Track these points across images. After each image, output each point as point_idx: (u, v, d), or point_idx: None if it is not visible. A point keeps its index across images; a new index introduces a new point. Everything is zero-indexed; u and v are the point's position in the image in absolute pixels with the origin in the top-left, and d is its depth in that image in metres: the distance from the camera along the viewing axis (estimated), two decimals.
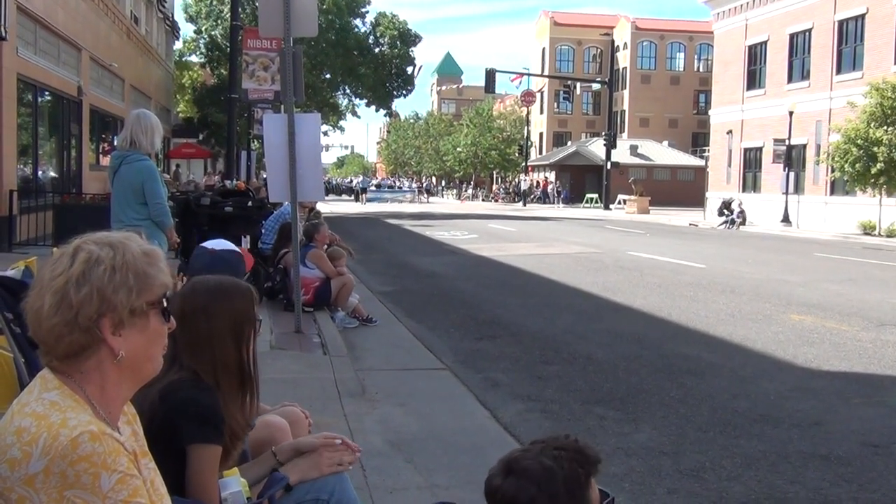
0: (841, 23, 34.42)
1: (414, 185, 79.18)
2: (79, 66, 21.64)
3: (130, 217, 6.44)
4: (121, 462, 1.69)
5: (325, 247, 10.43)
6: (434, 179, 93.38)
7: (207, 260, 3.97)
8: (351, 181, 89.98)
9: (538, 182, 68.99)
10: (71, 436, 1.64)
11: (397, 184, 73.82)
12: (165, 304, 1.86)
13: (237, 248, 4.09)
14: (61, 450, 1.63)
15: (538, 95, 72.49)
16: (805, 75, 36.59)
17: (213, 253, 4.06)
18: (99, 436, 1.67)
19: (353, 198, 70.53)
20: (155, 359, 1.89)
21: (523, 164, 68.44)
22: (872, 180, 27.95)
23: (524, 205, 59.66)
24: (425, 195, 72.08)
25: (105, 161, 24.33)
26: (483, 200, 71.12)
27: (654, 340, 9.36)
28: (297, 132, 8.46)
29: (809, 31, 36.24)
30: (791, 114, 33.67)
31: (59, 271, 1.76)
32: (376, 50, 49.93)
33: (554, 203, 61.06)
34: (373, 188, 69.43)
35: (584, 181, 63.69)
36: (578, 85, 69.53)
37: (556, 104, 78.85)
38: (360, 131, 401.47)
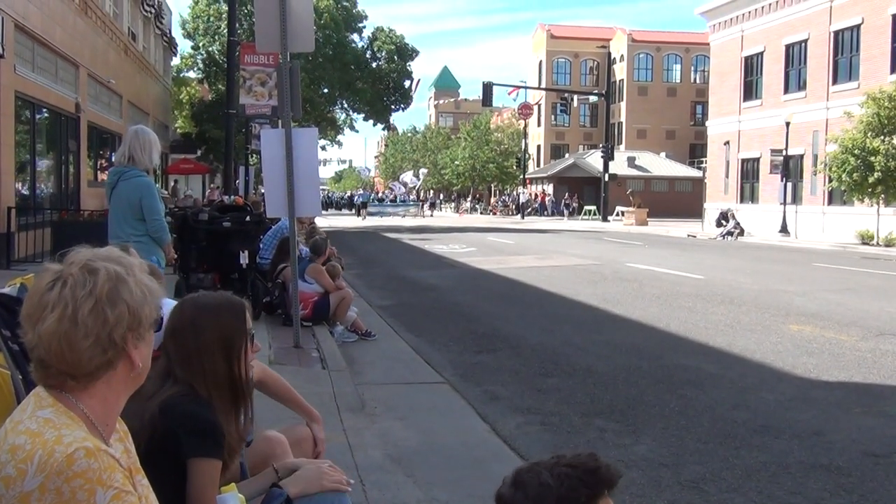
0: (837, 33, 34.55)
1: (414, 198, 78.31)
2: (76, 83, 21.69)
3: (128, 233, 6.44)
4: (116, 478, 1.68)
5: (325, 262, 10.43)
6: (432, 192, 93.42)
7: None
8: (351, 196, 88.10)
9: (536, 195, 69.09)
10: (66, 452, 1.64)
11: (399, 197, 72.84)
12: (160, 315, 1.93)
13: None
14: (56, 466, 1.62)
15: (535, 108, 72.77)
16: (801, 86, 36.69)
17: None
18: (94, 452, 1.66)
19: (353, 212, 69.29)
20: (148, 367, 1.92)
21: (521, 176, 68.55)
22: (870, 190, 27.99)
23: (522, 217, 59.69)
24: (430, 209, 71.09)
25: (103, 177, 24.35)
26: (481, 213, 71.08)
27: (653, 352, 9.34)
28: (294, 147, 8.47)
29: (805, 41, 36.37)
30: (788, 124, 33.75)
31: (84, 292, 1.75)
32: (374, 64, 50.10)
33: (564, 216, 60.73)
34: (375, 202, 67.89)
35: (582, 193, 63.81)
36: (575, 97, 69.87)
37: (553, 117, 79.20)
38: (358, 145, 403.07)
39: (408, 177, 77.36)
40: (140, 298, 1.80)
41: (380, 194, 78.28)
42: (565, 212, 61.57)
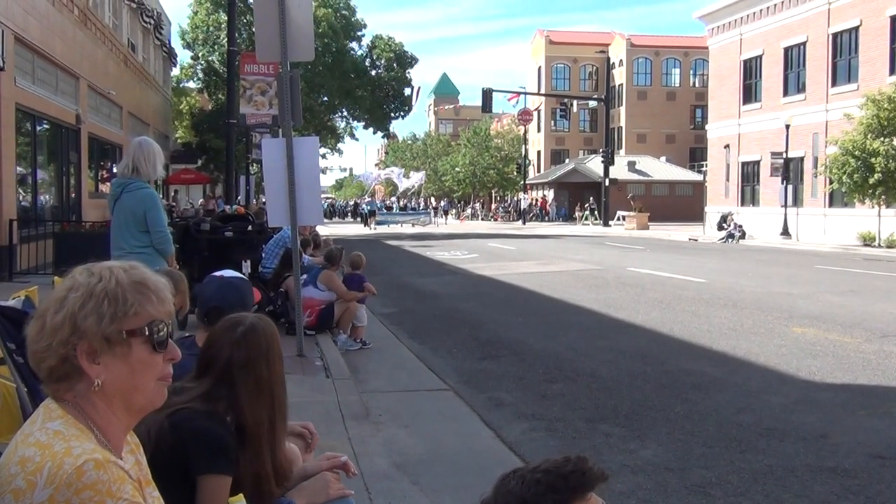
0: (835, 35, 34.58)
1: (419, 205, 76.71)
2: (77, 95, 21.71)
3: (132, 244, 6.43)
4: (126, 490, 1.67)
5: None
6: (433, 199, 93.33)
7: (216, 286, 3.93)
8: (356, 204, 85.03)
9: (537, 200, 69.07)
10: (75, 464, 1.63)
11: (410, 205, 71.22)
12: (149, 333, 1.78)
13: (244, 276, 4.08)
14: (66, 478, 1.61)
15: (535, 114, 72.76)
16: (801, 88, 36.72)
17: (221, 279, 4.00)
18: (104, 464, 1.66)
19: (357, 220, 66.21)
20: (144, 389, 1.82)
21: (522, 182, 68.54)
22: (870, 191, 28.00)
23: (524, 223, 59.60)
24: (443, 216, 68.80)
25: (104, 188, 24.37)
26: (482, 220, 70.94)
27: (657, 356, 9.34)
28: (295, 156, 8.47)
29: (804, 44, 36.39)
30: (788, 127, 33.77)
31: (52, 295, 1.78)
32: (373, 72, 50.20)
33: (589, 221, 59.07)
34: (384, 210, 64.74)
35: (582, 198, 63.78)
36: (575, 102, 69.89)
37: (553, 122, 79.27)
38: (358, 153, 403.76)
39: (417, 177, 74.48)
40: (88, 310, 1.72)
41: (386, 202, 75.26)
42: (590, 216, 59.53)
